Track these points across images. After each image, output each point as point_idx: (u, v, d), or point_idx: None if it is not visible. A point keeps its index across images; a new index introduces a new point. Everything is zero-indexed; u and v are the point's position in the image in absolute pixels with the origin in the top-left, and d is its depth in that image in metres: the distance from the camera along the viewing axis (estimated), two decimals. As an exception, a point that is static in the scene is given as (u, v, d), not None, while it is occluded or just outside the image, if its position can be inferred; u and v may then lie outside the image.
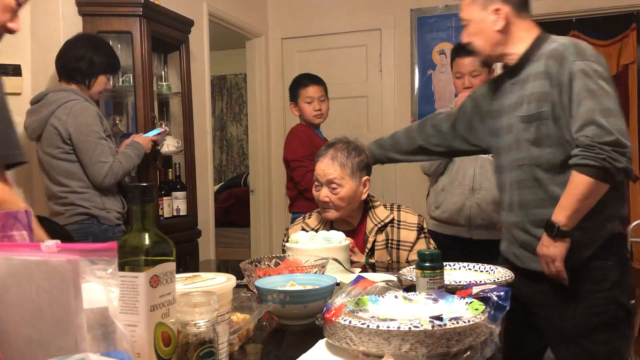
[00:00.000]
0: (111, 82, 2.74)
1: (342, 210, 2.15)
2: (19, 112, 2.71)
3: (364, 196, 2.18)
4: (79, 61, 2.61)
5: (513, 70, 1.95)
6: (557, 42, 1.85)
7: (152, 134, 2.87)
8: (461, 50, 2.80)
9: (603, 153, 1.65)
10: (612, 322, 1.83)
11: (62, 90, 2.60)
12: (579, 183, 1.70)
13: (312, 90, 3.37)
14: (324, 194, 2.14)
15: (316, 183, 2.18)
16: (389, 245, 2.13)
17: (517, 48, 1.91)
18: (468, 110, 2.18)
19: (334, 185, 2.12)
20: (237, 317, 1.16)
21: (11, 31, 1.60)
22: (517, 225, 1.93)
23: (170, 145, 3.22)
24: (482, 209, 2.82)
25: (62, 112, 2.53)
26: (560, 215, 1.75)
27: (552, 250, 1.77)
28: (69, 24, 2.88)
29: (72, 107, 2.53)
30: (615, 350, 1.86)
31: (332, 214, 2.16)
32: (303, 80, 3.44)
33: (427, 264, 1.38)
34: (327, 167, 2.14)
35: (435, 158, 2.39)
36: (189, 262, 3.22)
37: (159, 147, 3.05)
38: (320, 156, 2.19)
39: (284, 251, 2.01)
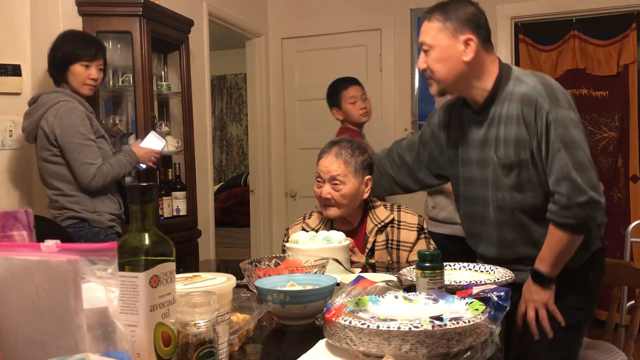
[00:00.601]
0: (93, 68, 2.59)
1: (344, 208, 2.14)
2: (18, 112, 2.71)
3: (366, 195, 2.18)
4: (49, 65, 2.62)
5: (480, 105, 1.90)
6: (525, 83, 1.81)
7: (152, 144, 2.81)
8: None
9: (580, 213, 1.73)
10: (578, 325, 1.92)
11: (54, 91, 2.59)
12: (559, 239, 1.78)
13: (353, 90, 3.35)
14: (326, 190, 2.14)
15: (318, 180, 2.17)
16: (389, 245, 2.13)
17: (485, 82, 1.86)
18: (428, 139, 2.16)
19: (336, 182, 2.12)
20: (237, 317, 1.16)
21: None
22: (497, 261, 1.94)
23: (170, 145, 3.21)
24: None
25: (51, 114, 2.51)
26: (544, 265, 1.81)
27: (542, 295, 1.83)
28: (69, 24, 2.87)
29: (59, 109, 2.51)
30: (572, 351, 1.94)
31: (333, 212, 2.15)
32: (341, 84, 3.40)
33: (427, 264, 1.38)
34: (331, 163, 2.14)
35: (402, 191, 2.34)
36: (189, 262, 3.22)
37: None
38: (324, 153, 2.18)
39: (284, 251, 2.01)
